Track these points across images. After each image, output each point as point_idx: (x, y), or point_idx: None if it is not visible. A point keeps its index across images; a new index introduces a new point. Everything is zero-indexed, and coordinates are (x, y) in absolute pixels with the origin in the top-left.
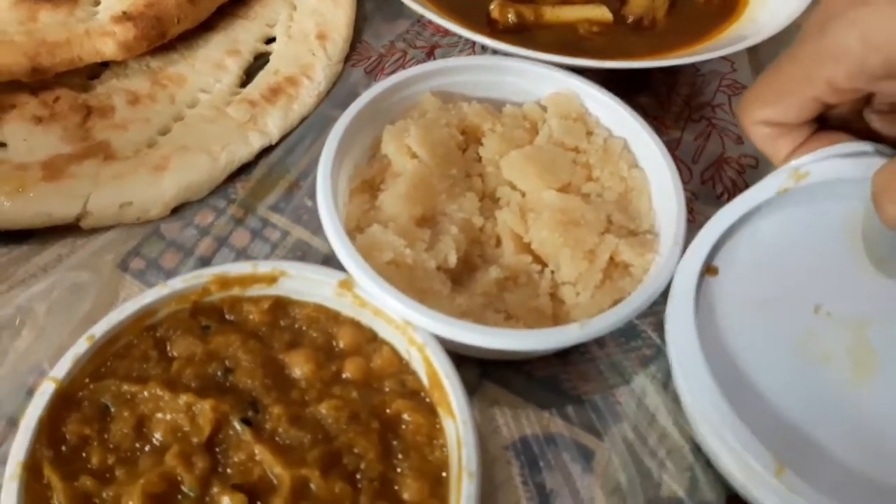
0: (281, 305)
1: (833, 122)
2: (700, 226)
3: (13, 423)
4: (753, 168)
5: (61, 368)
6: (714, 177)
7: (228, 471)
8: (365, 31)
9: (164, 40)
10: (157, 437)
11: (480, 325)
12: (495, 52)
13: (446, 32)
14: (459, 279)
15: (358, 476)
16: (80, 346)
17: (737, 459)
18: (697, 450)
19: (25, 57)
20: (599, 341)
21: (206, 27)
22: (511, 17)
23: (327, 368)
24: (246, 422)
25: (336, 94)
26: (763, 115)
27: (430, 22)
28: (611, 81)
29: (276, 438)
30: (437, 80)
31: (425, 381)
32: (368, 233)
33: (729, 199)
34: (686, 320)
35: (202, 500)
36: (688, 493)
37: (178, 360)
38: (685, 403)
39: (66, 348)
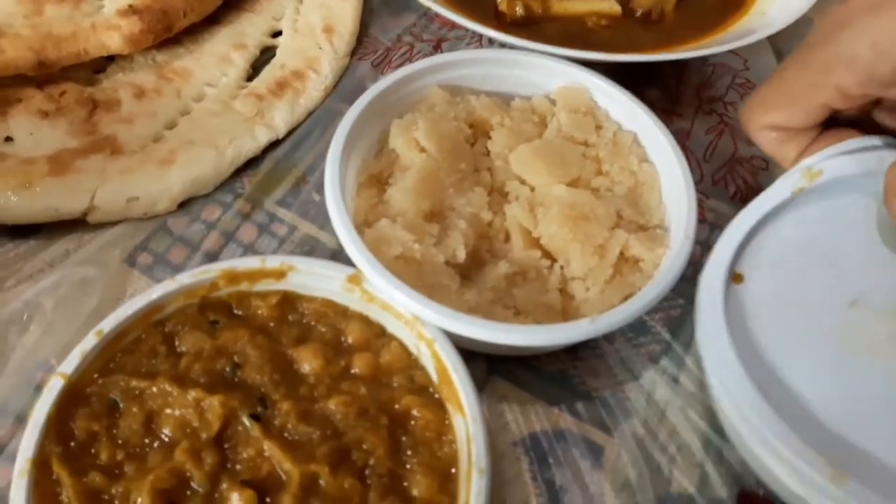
0: (289, 300)
1: (840, 121)
2: (711, 224)
3: (21, 420)
4: (765, 170)
5: (70, 364)
6: (726, 177)
7: (237, 466)
8: (371, 24)
9: (170, 34)
10: (166, 432)
11: (490, 320)
12: (503, 45)
13: (453, 25)
14: (468, 274)
15: (367, 472)
16: (89, 342)
17: (790, 469)
18: (708, 445)
19: (31, 51)
20: (608, 337)
21: (212, 21)
22: (519, 9)
23: (336, 364)
24: (255, 417)
25: (343, 88)
26: (770, 121)
27: (437, 15)
28: (619, 74)
29: (285, 434)
30: (444, 74)
31: (434, 376)
32: (377, 227)
33: (742, 198)
34: (718, 333)
35: (211, 496)
36: (698, 489)
37: (186, 355)
38: (728, 418)
39: (74, 344)
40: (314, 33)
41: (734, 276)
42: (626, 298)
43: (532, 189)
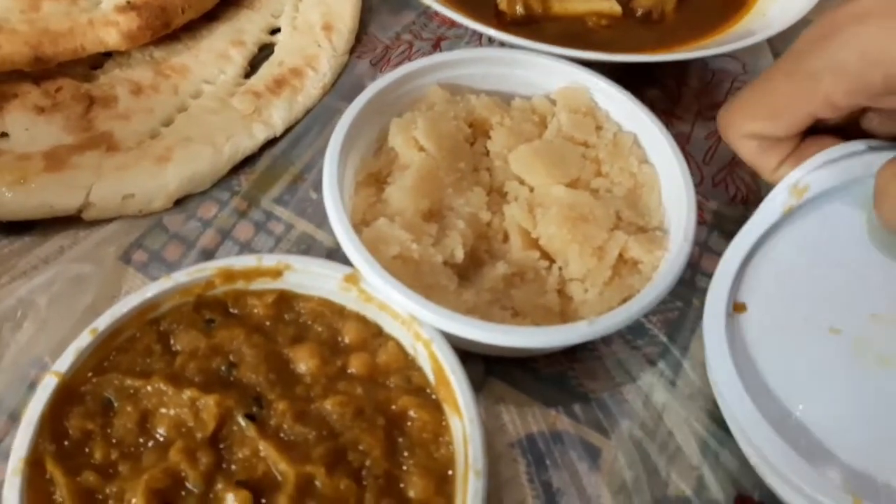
0: (285, 299)
1: (820, 127)
2: (710, 225)
3: (14, 418)
4: None
5: (64, 362)
6: (726, 179)
7: (233, 467)
8: (370, 22)
9: (168, 30)
10: (161, 432)
11: (488, 321)
12: (502, 44)
13: (453, 24)
14: (466, 274)
15: (363, 473)
16: (83, 340)
17: (810, 501)
18: (705, 448)
19: (28, 46)
20: (606, 339)
21: (211, 17)
22: (519, 8)
23: (332, 363)
24: (250, 417)
25: (341, 86)
26: (752, 129)
27: (437, 13)
28: (619, 74)
29: (281, 434)
30: (444, 73)
31: (431, 377)
32: (375, 227)
33: (742, 200)
34: (726, 369)
35: (206, 497)
36: (695, 492)
37: (181, 354)
38: (747, 453)
39: (68, 341)
40: (313, 31)
41: (736, 306)
42: (624, 300)
43: (531, 189)
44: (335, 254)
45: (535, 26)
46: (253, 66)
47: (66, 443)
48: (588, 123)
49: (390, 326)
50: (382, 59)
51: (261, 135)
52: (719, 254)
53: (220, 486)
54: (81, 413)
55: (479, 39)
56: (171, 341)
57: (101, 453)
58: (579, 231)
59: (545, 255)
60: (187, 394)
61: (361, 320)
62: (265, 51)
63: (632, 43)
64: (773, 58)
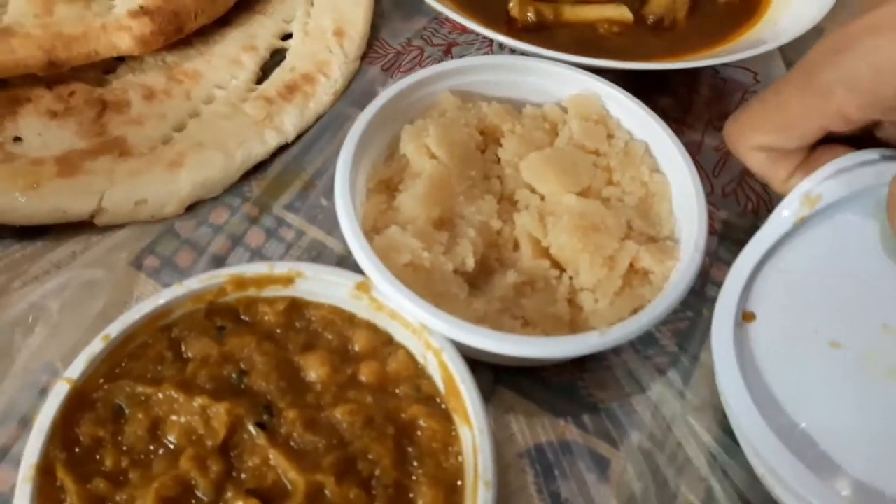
0: (296, 307)
1: (829, 137)
2: (721, 235)
3: (25, 423)
4: None
5: (76, 369)
6: (736, 190)
7: (243, 475)
8: (382, 28)
9: (181, 36)
10: (172, 439)
11: (498, 331)
12: (513, 51)
13: (464, 30)
14: (476, 283)
15: (372, 482)
16: (96, 346)
17: None
18: (714, 460)
19: (41, 50)
20: (616, 348)
21: (223, 22)
22: (530, 15)
23: (342, 372)
24: (260, 425)
25: (352, 92)
26: (762, 142)
27: (448, 19)
28: (629, 81)
29: (291, 443)
30: (456, 80)
31: (441, 386)
32: (386, 234)
33: (753, 210)
34: (734, 376)
35: None
36: (704, 503)
37: (192, 361)
38: (756, 467)
39: (79, 347)
40: (325, 36)
41: (745, 316)
42: (634, 311)
43: (542, 198)
44: (346, 261)
45: (547, 33)
46: (265, 72)
47: (76, 450)
48: (599, 131)
49: (401, 335)
50: (394, 65)
51: (273, 141)
52: (729, 264)
53: (230, 494)
54: (92, 420)
55: (489, 46)
56: (183, 348)
57: (112, 460)
58: (590, 240)
59: (556, 265)
60: (198, 401)
61: (372, 328)
62: (276, 56)
63: (643, 50)
64: (785, 66)
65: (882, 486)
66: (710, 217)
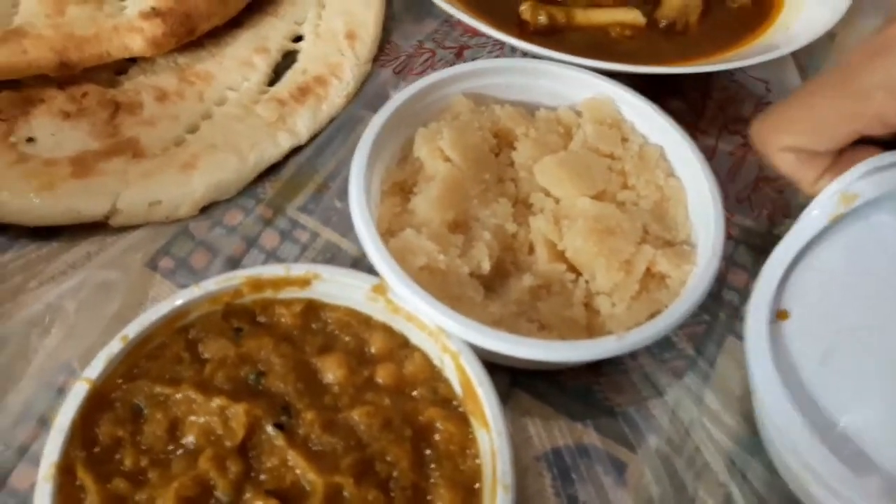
0: (313, 309)
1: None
2: (736, 240)
3: (43, 422)
4: (791, 187)
5: (95, 369)
6: (751, 196)
7: (261, 476)
8: (393, 30)
9: (193, 37)
10: (190, 439)
11: (516, 334)
12: (524, 53)
13: (475, 33)
14: (491, 286)
15: (390, 484)
16: (114, 347)
17: None
18: (733, 464)
19: (53, 51)
20: (632, 352)
21: (235, 24)
22: (542, 18)
23: (359, 374)
24: (279, 426)
25: (364, 95)
26: (793, 143)
27: (459, 22)
28: (641, 85)
29: (310, 444)
30: (469, 83)
31: (458, 389)
32: (402, 237)
33: (768, 216)
34: (769, 373)
35: None
36: None
37: (210, 362)
38: (782, 461)
39: (96, 347)
40: (336, 39)
41: (778, 314)
42: (651, 315)
43: (557, 201)
44: (360, 263)
45: (558, 36)
46: (276, 74)
47: (96, 449)
48: (614, 135)
49: (417, 337)
50: (405, 67)
51: (286, 143)
52: (745, 268)
53: (248, 494)
54: (112, 420)
55: (501, 49)
56: (200, 349)
57: (131, 460)
58: (606, 244)
59: (571, 268)
60: (216, 402)
61: (388, 331)
62: (288, 58)
63: (655, 54)
64: (798, 71)
65: None
66: (726, 222)
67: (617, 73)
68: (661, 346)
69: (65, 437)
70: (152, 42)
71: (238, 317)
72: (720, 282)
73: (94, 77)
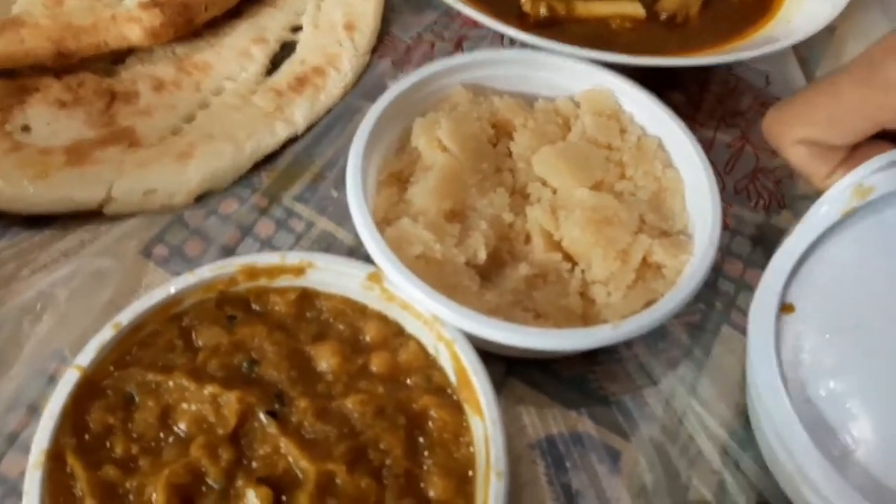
0: (307, 297)
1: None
2: (733, 230)
3: (34, 410)
4: (788, 178)
5: (86, 356)
6: (748, 187)
7: (253, 464)
8: (393, 22)
9: (191, 27)
10: (182, 427)
11: (511, 322)
12: (524, 45)
13: (475, 24)
14: (487, 275)
15: (383, 472)
16: (106, 334)
17: None
18: (726, 453)
19: (50, 41)
20: (628, 342)
21: (234, 14)
22: (542, 10)
23: (353, 362)
24: (272, 414)
25: (363, 86)
26: (808, 135)
27: (459, 13)
28: (641, 77)
29: (302, 432)
30: (468, 73)
31: (453, 377)
32: (398, 226)
33: (765, 207)
34: (770, 366)
35: (226, 493)
36: (716, 496)
37: (203, 350)
38: (773, 456)
39: (88, 335)
40: (335, 30)
41: (784, 307)
42: (647, 304)
43: (554, 191)
44: (356, 252)
45: (559, 28)
46: (275, 64)
47: (86, 437)
48: (612, 126)
49: (412, 326)
50: (404, 58)
51: (283, 132)
52: (742, 258)
53: (240, 482)
54: (103, 407)
55: (500, 40)
56: (193, 337)
57: (122, 448)
58: (603, 234)
59: (567, 258)
60: (209, 389)
61: (383, 319)
62: (287, 49)
63: (655, 46)
64: (799, 64)
65: None
66: (723, 213)
67: (617, 65)
68: (657, 336)
69: (55, 424)
70: (150, 32)
71: (232, 304)
72: (716, 271)
73: (90, 66)
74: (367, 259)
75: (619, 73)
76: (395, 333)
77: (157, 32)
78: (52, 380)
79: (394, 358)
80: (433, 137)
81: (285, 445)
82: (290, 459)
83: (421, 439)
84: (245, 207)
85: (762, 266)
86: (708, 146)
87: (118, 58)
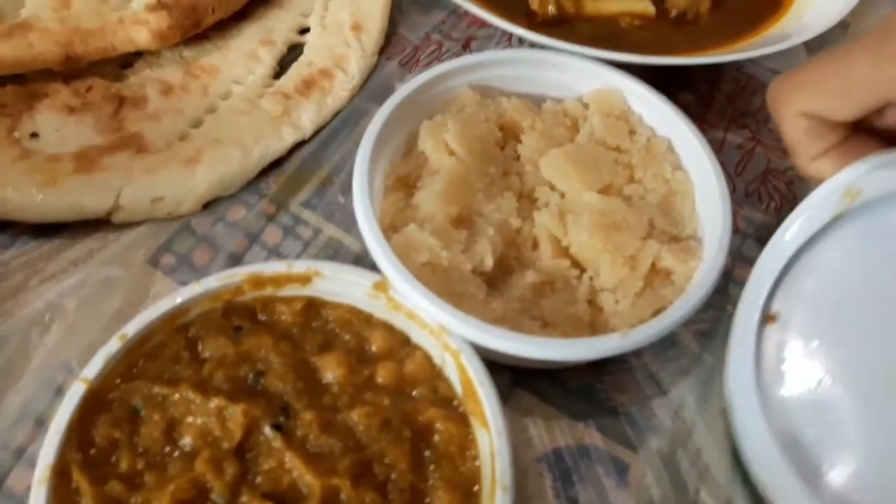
0: (314, 306)
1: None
2: (743, 233)
3: (41, 423)
4: (801, 180)
5: (92, 369)
6: (759, 189)
7: (258, 478)
8: (400, 22)
9: (199, 30)
10: (187, 441)
11: (518, 332)
12: (533, 44)
13: (483, 24)
14: (494, 282)
15: (388, 486)
16: (112, 346)
17: None
18: (735, 466)
19: (58, 45)
20: (636, 350)
21: (240, 16)
22: (551, 8)
23: (359, 373)
24: (277, 427)
25: (370, 87)
26: (810, 106)
27: (467, 13)
28: (651, 76)
29: (307, 446)
30: (475, 74)
31: (459, 388)
32: (404, 233)
33: (777, 209)
34: (747, 381)
35: None
36: None
37: (209, 361)
38: (755, 479)
39: (96, 345)
40: (342, 31)
41: (769, 316)
42: (656, 312)
43: (562, 195)
44: (363, 259)
45: (567, 27)
46: (282, 67)
47: (92, 451)
48: (621, 128)
49: (418, 336)
50: (412, 59)
51: (290, 137)
52: (753, 262)
53: (245, 497)
54: (108, 421)
55: (509, 40)
56: (200, 348)
57: (128, 462)
58: (611, 240)
59: (576, 264)
60: (214, 402)
61: (389, 329)
62: (294, 51)
63: (665, 44)
64: None
65: None
66: (734, 216)
67: (626, 64)
68: (666, 344)
69: (61, 438)
70: (157, 35)
71: (238, 315)
72: (726, 276)
73: (99, 71)
74: (374, 267)
75: (628, 73)
76: (402, 343)
77: (164, 35)
78: (60, 392)
79: (400, 369)
80: (440, 141)
81: (290, 459)
82: (295, 474)
83: (427, 452)
84: (252, 214)
85: None
86: (718, 147)
87: (126, 62)
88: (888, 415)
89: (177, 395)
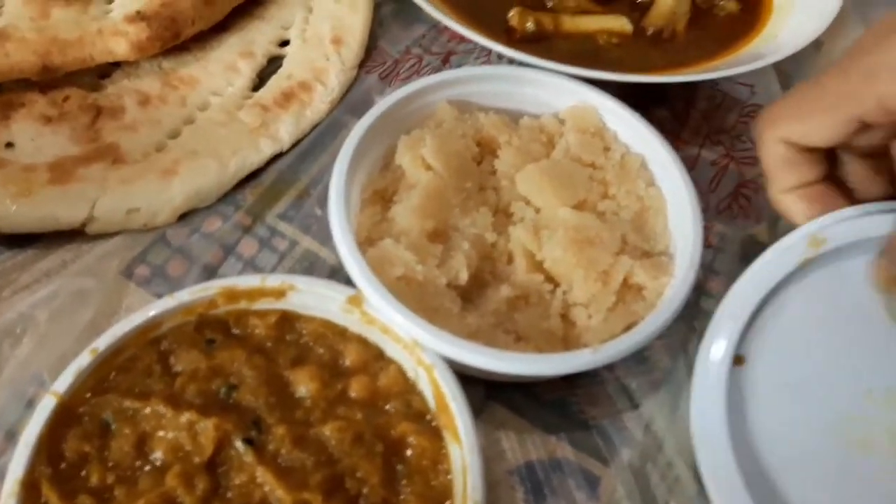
0: (287, 320)
1: (836, 184)
2: (715, 248)
3: (11, 436)
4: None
5: (63, 382)
6: (732, 205)
7: (229, 493)
8: (380, 36)
9: (178, 41)
10: (158, 455)
11: (491, 347)
12: (511, 61)
13: (462, 39)
14: (469, 296)
15: (360, 501)
16: (83, 359)
17: None
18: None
19: (36, 55)
20: (609, 364)
21: (220, 28)
22: (530, 25)
23: (332, 387)
24: (248, 441)
25: (349, 100)
26: (790, 132)
27: (447, 28)
28: (627, 93)
29: (279, 460)
30: (454, 90)
31: (432, 403)
32: (380, 246)
33: (743, 219)
34: (715, 423)
35: None
36: None
37: (181, 375)
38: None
39: (67, 357)
40: (322, 44)
41: (735, 359)
42: (628, 327)
43: (537, 210)
44: (339, 272)
45: (546, 43)
46: (261, 79)
47: (62, 465)
48: (596, 144)
49: (392, 350)
50: (391, 73)
51: (268, 149)
52: (724, 275)
53: None
54: (79, 435)
55: (488, 55)
56: (172, 361)
57: (98, 477)
58: (584, 255)
59: (549, 279)
60: (186, 416)
61: (363, 343)
62: (274, 63)
63: (642, 62)
64: (777, 77)
65: None
66: (706, 232)
67: (603, 81)
68: (638, 358)
69: (30, 452)
70: (137, 46)
71: (211, 328)
72: (698, 290)
73: (76, 81)
74: (349, 280)
75: (604, 90)
76: (375, 357)
77: (143, 46)
78: (31, 404)
79: (373, 383)
80: (417, 156)
81: (262, 474)
82: (267, 489)
83: (399, 467)
84: (228, 225)
85: None
86: (693, 163)
87: (104, 72)
88: (852, 456)
89: (148, 409)
